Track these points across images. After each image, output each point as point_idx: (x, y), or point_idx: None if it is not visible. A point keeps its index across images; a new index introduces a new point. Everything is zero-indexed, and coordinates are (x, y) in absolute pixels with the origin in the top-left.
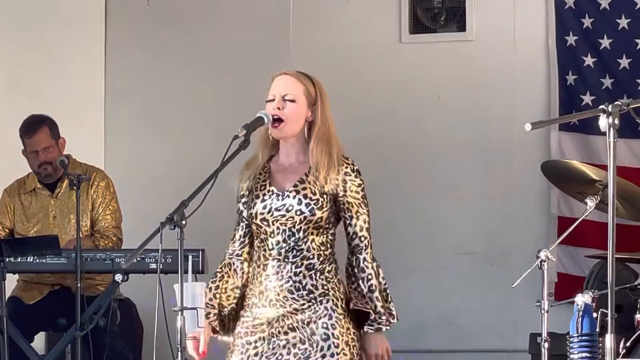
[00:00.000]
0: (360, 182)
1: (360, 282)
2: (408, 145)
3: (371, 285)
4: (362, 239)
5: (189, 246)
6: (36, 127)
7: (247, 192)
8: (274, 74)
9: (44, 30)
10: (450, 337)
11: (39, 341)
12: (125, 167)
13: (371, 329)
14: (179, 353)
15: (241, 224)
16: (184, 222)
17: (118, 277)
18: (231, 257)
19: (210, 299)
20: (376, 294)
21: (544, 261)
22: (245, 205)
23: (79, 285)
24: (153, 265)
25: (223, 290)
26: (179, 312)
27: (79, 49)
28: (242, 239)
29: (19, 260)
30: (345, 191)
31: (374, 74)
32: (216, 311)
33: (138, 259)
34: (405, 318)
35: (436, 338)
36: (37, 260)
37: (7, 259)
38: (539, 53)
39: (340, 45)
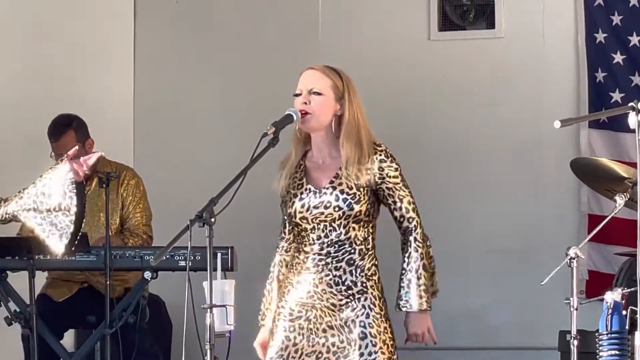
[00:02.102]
0: (397, 165)
1: (411, 262)
2: (437, 143)
3: (418, 266)
4: (410, 220)
5: (218, 244)
6: (62, 131)
7: (286, 192)
8: (302, 69)
9: (73, 29)
10: (479, 335)
11: (68, 338)
12: (155, 166)
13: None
14: (208, 350)
15: (285, 222)
16: (213, 219)
17: (147, 274)
18: (282, 254)
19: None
20: (423, 273)
21: (574, 259)
22: (285, 204)
23: (107, 282)
24: (182, 263)
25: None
26: (208, 310)
27: (108, 48)
28: (287, 236)
29: (48, 258)
30: (383, 178)
31: (403, 71)
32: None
33: (167, 256)
34: (434, 315)
35: (465, 335)
36: (67, 258)
37: (36, 257)
38: (568, 50)
39: (369, 43)
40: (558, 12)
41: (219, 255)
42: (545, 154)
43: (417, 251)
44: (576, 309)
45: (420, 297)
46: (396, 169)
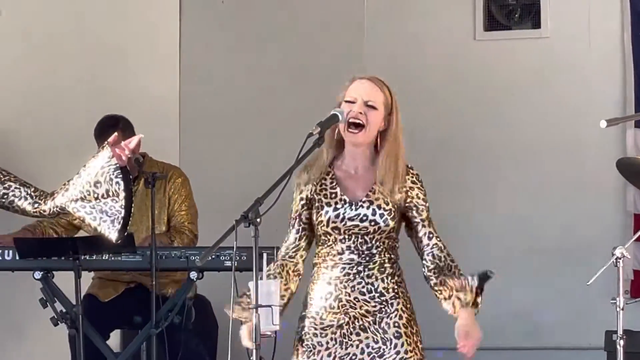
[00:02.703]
0: (424, 189)
1: (448, 274)
2: (482, 143)
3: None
4: (438, 239)
5: (263, 244)
6: (108, 132)
7: (311, 196)
8: (356, 75)
9: (118, 28)
10: (524, 334)
11: (114, 339)
12: (200, 165)
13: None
14: (254, 350)
15: (297, 227)
16: (258, 219)
17: (193, 274)
18: (284, 259)
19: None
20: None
21: (620, 258)
22: (305, 208)
23: (153, 283)
24: (228, 263)
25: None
26: (254, 310)
27: (154, 47)
28: (296, 242)
29: (94, 258)
30: (412, 198)
31: (448, 71)
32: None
33: (213, 256)
34: (479, 315)
35: (511, 335)
36: (113, 258)
37: (82, 257)
38: (614, 50)
39: (414, 43)
40: (604, 12)
41: (264, 255)
42: (590, 154)
43: (450, 266)
44: (622, 309)
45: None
46: (425, 193)
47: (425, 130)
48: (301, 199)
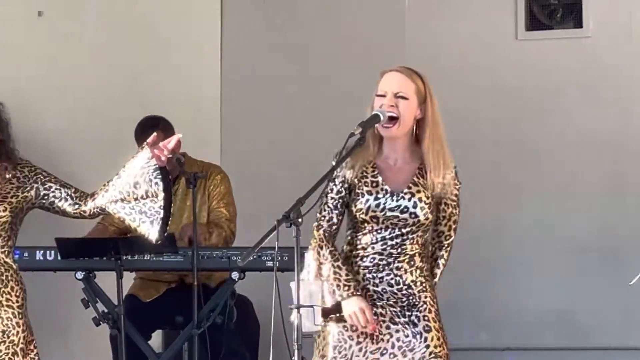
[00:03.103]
0: (460, 185)
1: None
2: (523, 142)
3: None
4: (447, 237)
5: (305, 244)
6: (149, 132)
7: (351, 181)
8: (384, 69)
9: (160, 28)
10: (566, 335)
11: (156, 339)
12: (241, 165)
13: None
14: (296, 351)
15: (339, 208)
16: (300, 219)
17: (235, 275)
18: (326, 233)
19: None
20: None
21: None
22: (346, 192)
23: (195, 283)
24: (269, 263)
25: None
26: (296, 310)
27: (195, 47)
28: (334, 220)
29: (135, 258)
30: (446, 192)
31: (490, 71)
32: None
33: (254, 256)
34: (521, 315)
35: (552, 335)
36: (154, 258)
37: (124, 257)
38: None
39: (455, 42)
40: None
41: (306, 255)
42: (632, 152)
43: (439, 268)
44: None
45: None
46: (459, 189)
47: (466, 129)
48: (343, 181)
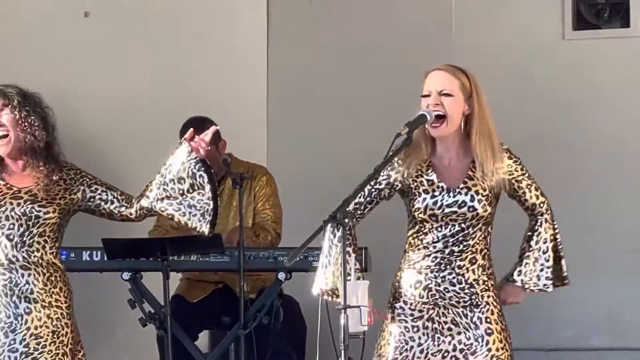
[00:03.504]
0: (520, 161)
1: (540, 242)
2: (571, 143)
3: (547, 247)
4: (542, 204)
5: None
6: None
7: (402, 180)
8: (427, 69)
9: (205, 28)
10: (613, 335)
11: (202, 339)
12: (288, 166)
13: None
14: (342, 351)
15: (374, 198)
16: (346, 220)
17: (281, 275)
18: (353, 216)
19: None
20: (551, 255)
21: None
22: (388, 187)
23: (242, 283)
24: (316, 264)
25: None
26: (342, 311)
27: (241, 47)
28: (365, 210)
29: (182, 258)
30: (512, 174)
31: (537, 71)
32: None
33: (301, 257)
34: (568, 316)
35: (599, 336)
36: (200, 259)
37: (170, 258)
38: None
39: (502, 42)
40: None
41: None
42: None
43: (547, 232)
44: None
45: (548, 278)
46: (520, 163)
47: (512, 130)
48: (388, 176)
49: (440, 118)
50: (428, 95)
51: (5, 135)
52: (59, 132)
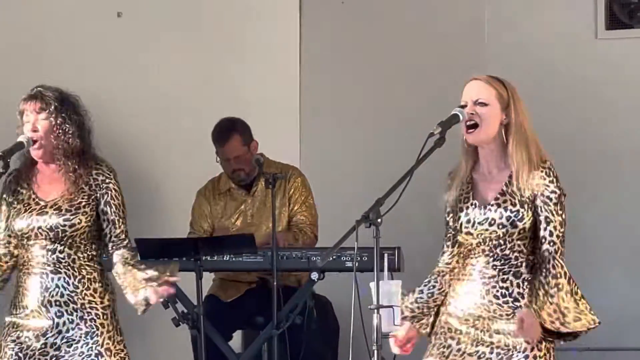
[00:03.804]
0: (555, 189)
1: (547, 284)
2: (604, 144)
3: (559, 287)
4: (551, 244)
5: (384, 244)
6: (227, 135)
7: (453, 204)
8: (466, 79)
9: (237, 29)
10: None
11: (235, 339)
12: (320, 166)
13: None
14: (375, 352)
15: (448, 235)
16: (379, 220)
17: (314, 275)
18: (442, 266)
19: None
20: (563, 294)
21: None
22: (450, 217)
23: (275, 283)
24: (349, 264)
25: (429, 295)
26: (375, 311)
27: (274, 47)
28: (451, 249)
29: (215, 258)
30: (538, 194)
31: (570, 70)
32: (424, 316)
33: (334, 257)
34: (603, 317)
35: (635, 336)
36: (234, 259)
37: (203, 258)
38: None
39: (535, 43)
40: None
41: (385, 255)
42: None
43: (555, 277)
44: None
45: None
46: (552, 191)
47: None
48: (446, 207)
49: (474, 127)
50: (465, 106)
51: (38, 141)
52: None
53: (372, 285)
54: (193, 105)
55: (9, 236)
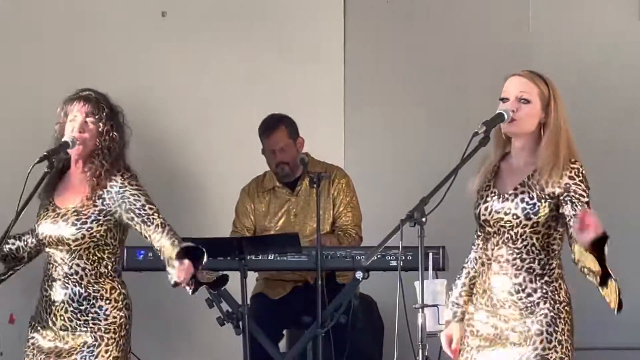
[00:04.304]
0: (585, 189)
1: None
2: None
3: None
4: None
5: (429, 243)
6: (274, 126)
7: (477, 191)
8: (507, 74)
9: (282, 27)
10: None
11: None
12: (365, 166)
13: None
14: (420, 350)
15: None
16: (424, 219)
17: (359, 274)
18: (476, 251)
19: (458, 300)
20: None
21: None
22: (475, 203)
23: (319, 283)
24: (393, 263)
25: (472, 286)
26: (420, 310)
27: (318, 46)
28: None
29: (259, 258)
30: (568, 193)
31: (614, 63)
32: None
33: (378, 256)
34: (630, 313)
35: None
36: (278, 258)
37: (248, 257)
38: None
39: (578, 41)
40: None
41: (430, 254)
42: None
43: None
44: None
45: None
46: (584, 190)
47: (589, 124)
48: (475, 193)
49: (512, 121)
50: (506, 99)
51: (82, 142)
52: (135, 132)
53: (417, 284)
54: (237, 104)
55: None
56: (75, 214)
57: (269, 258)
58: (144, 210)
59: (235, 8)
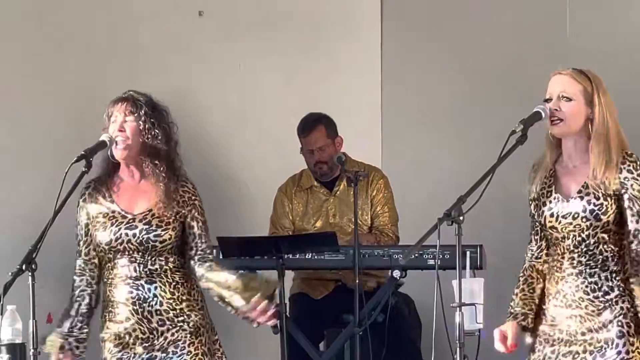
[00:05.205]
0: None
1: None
2: None
3: None
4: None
5: (466, 242)
6: (312, 125)
7: (536, 196)
8: (551, 73)
9: (320, 31)
10: None
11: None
12: (403, 166)
13: None
14: (458, 349)
15: (535, 228)
16: (461, 218)
17: (396, 273)
18: (531, 260)
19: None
20: None
21: None
22: (535, 210)
23: (357, 281)
24: (431, 262)
25: (530, 292)
26: (457, 308)
27: (356, 49)
28: (539, 242)
29: (297, 257)
30: (627, 189)
31: None
32: (525, 311)
33: (416, 255)
34: None
35: None
36: (316, 257)
37: (285, 256)
38: None
39: (617, 42)
40: None
41: (468, 253)
42: None
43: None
44: None
45: None
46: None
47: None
48: (531, 199)
49: (560, 120)
50: (550, 99)
51: (124, 142)
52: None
53: (454, 283)
54: (274, 104)
55: (93, 250)
56: (157, 217)
57: (307, 257)
58: (205, 225)
59: (272, 8)
